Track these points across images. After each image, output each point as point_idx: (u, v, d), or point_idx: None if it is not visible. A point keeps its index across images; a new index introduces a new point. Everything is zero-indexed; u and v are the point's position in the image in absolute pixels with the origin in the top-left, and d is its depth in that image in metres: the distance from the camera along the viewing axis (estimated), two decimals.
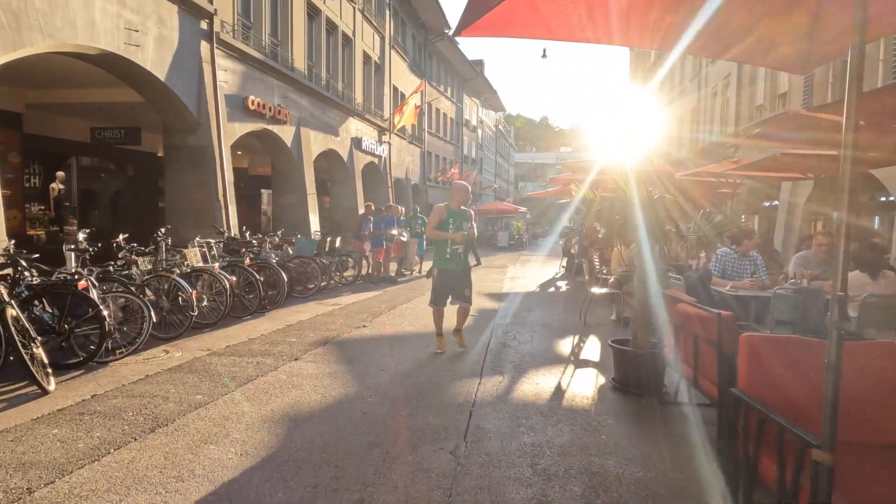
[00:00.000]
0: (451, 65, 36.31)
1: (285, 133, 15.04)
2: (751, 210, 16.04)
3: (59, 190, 13.97)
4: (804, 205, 12.27)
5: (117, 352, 5.48)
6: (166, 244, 7.13)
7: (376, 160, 23.19)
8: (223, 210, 11.66)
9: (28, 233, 12.43)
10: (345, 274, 12.46)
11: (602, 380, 5.34)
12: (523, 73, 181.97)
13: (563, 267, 17.33)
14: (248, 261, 7.96)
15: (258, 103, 13.36)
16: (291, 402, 4.56)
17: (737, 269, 6.10)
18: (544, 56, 26.39)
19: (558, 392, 4.94)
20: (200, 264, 7.10)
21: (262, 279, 7.93)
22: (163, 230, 7.35)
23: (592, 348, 6.76)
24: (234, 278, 7.26)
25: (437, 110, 34.84)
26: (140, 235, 8.74)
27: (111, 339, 5.37)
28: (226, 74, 12.30)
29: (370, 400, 4.64)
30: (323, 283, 10.67)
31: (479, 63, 43.10)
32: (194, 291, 6.26)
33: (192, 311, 6.30)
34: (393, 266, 15.14)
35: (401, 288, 11.99)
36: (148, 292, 6.20)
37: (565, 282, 14.04)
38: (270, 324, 7.56)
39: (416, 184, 30.45)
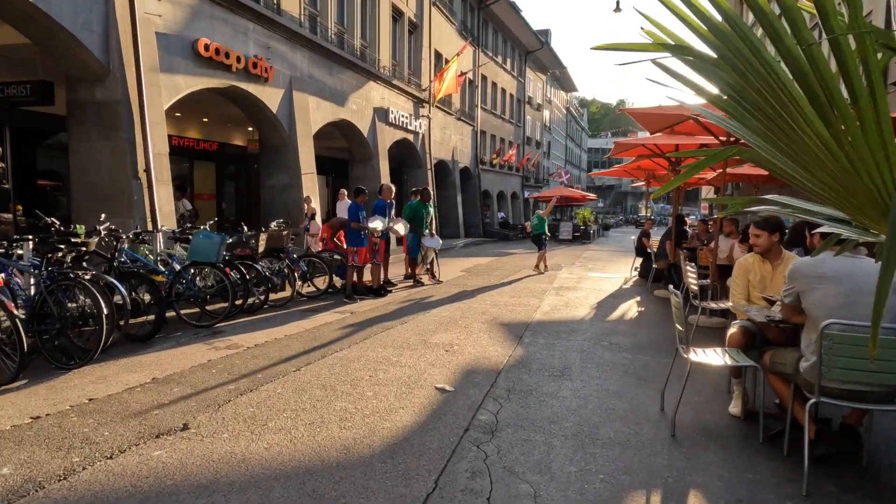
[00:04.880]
0: (511, 33, 31.96)
1: (268, 95, 11.62)
2: None
3: None
4: None
5: None
6: None
7: (411, 137, 19.52)
8: (144, 190, 8.37)
9: None
10: (316, 282, 8.90)
11: None
12: (596, 47, 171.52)
13: (635, 270, 12.98)
14: None
15: (217, 49, 9.96)
16: None
17: None
18: (617, 9, 21.69)
19: None
20: None
21: (21, 314, 4.18)
22: None
23: None
24: None
25: (494, 84, 30.67)
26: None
27: None
28: (159, 5, 8.96)
29: None
30: (252, 300, 7.08)
31: (545, 33, 38.37)
32: None
33: None
34: (397, 273, 11.47)
35: (377, 306, 7.96)
36: None
37: (637, 300, 9.59)
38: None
39: (465, 167, 26.54)
